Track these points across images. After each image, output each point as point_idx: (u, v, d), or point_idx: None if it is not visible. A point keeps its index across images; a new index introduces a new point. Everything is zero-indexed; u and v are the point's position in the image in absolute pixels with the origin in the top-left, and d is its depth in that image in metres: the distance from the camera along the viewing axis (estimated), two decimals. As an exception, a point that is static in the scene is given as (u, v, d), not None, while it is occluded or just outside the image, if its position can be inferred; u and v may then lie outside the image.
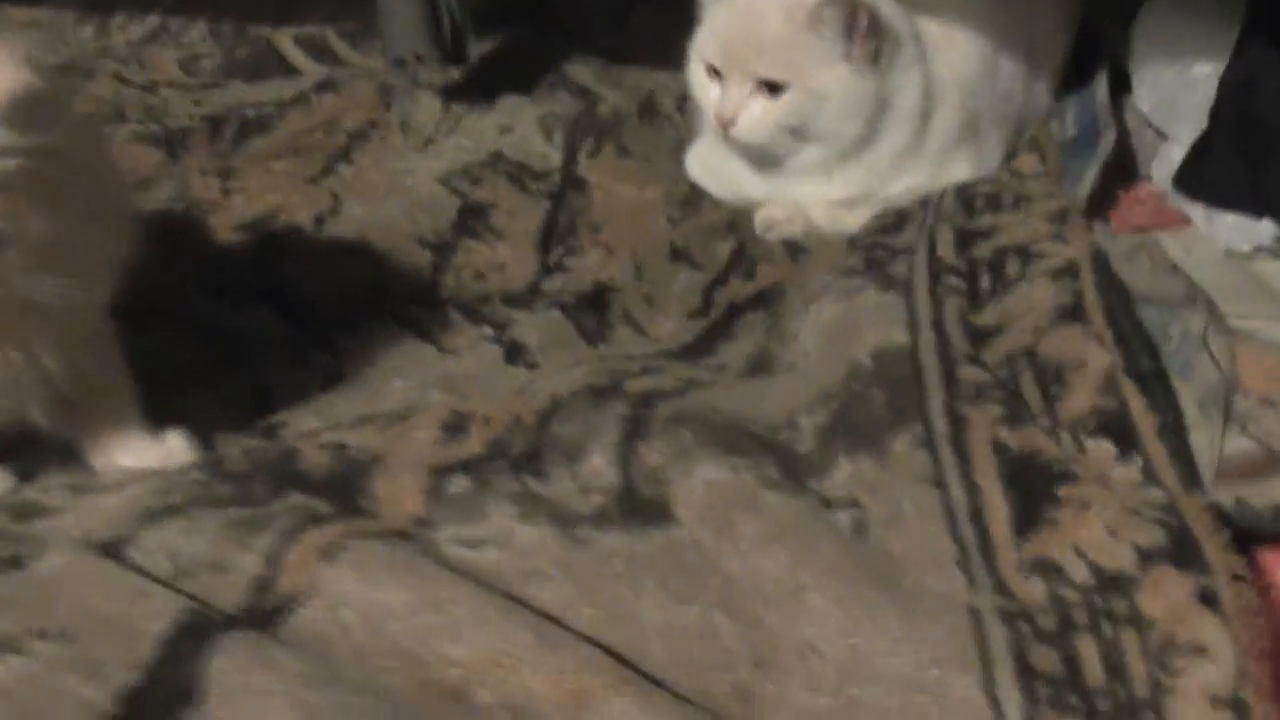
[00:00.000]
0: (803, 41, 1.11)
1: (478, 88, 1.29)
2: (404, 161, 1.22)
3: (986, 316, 0.79)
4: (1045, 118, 1.30)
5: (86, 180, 0.82)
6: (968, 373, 0.72)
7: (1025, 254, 0.84)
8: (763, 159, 1.17)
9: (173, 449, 0.89)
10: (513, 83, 1.30)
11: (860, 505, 0.68)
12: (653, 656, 0.65)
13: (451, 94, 1.28)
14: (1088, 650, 0.61)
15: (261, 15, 1.43)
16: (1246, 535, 0.71)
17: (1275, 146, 1.22)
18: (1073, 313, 0.74)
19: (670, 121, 1.34)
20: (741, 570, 0.67)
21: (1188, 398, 0.70)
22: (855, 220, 1.16)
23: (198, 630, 0.65)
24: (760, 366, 0.89)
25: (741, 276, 1.11)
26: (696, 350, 0.99)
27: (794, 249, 1.14)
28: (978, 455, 0.67)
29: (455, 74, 1.30)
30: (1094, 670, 0.60)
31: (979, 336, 0.77)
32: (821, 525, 0.67)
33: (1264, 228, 1.22)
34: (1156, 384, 0.70)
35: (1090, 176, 1.23)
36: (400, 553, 0.70)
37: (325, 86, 1.32)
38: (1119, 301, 0.76)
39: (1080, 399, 0.69)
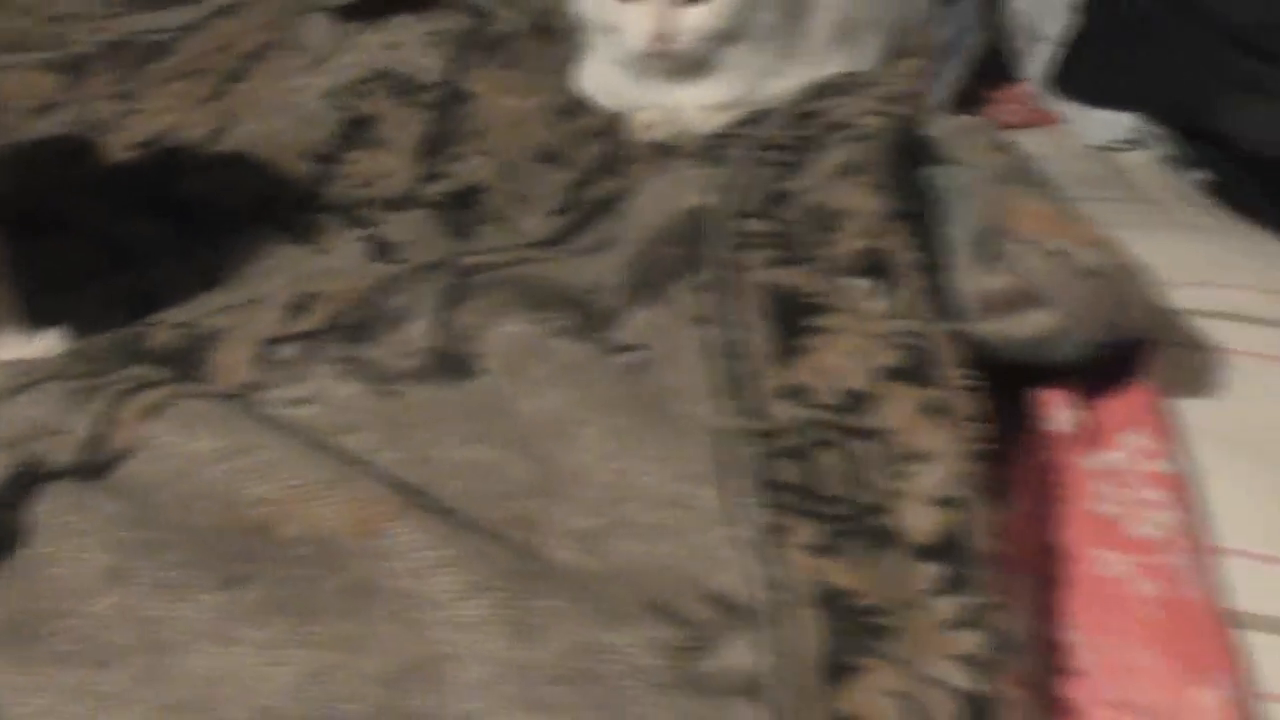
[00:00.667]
0: None
1: (369, 8, 1.33)
2: (294, 80, 1.26)
3: (792, 182, 0.83)
4: (926, 23, 1.34)
5: None
6: (752, 225, 0.77)
7: (842, 128, 0.89)
8: (681, 69, 1.20)
9: (46, 345, 0.95)
10: (409, 4, 1.35)
11: (645, 348, 0.73)
12: (447, 492, 0.70)
13: (347, 14, 1.32)
14: (828, 463, 0.65)
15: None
16: (1021, 374, 0.76)
17: (1140, 42, 1.26)
18: (856, 169, 0.78)
19: (563, 38, 1.38)
20: (530, 410, 0.72)
21: (956, 241, 0.75)
22: (727, 120, 1.20)
23: (25, 481, 0.72)
24: (599, 247, 0.94)
25: (612, 176, 1.16)
26: (555, 241, 1.04)
27: (665, 149, 1.18)
28: (745, 295, 0.72)
29: (349, -5, 1.35)
30: (833, 481, 0.65)
31: (779, 199, 0.81)
32: (602, 366, 0.72)
33: (1123, 120, 1.27)
34: (919, 229, 0.75)
35: (952, 74, 1.27)
36: (221, 409, 0.75)
37: (225, 11, 1.36)
38: (901, 160, 0.80)
39: (847, 242, 0.73)
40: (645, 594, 0.63)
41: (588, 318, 0.76)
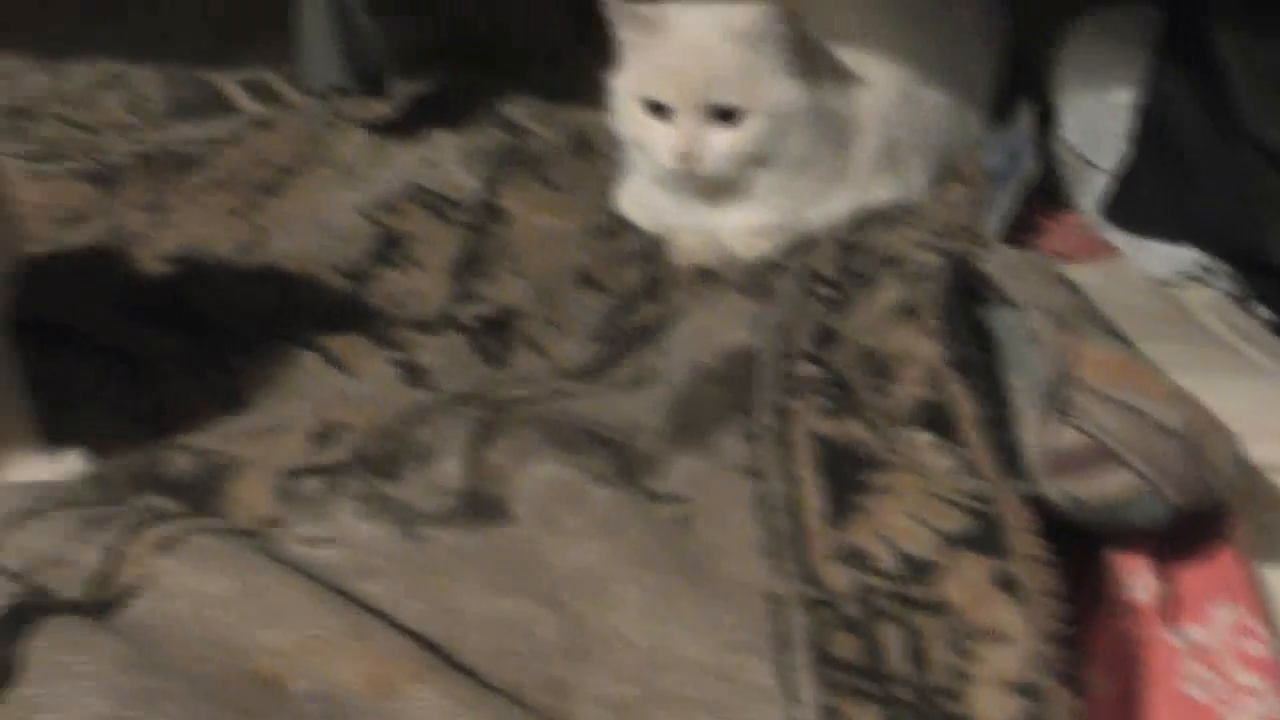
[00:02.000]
0: (752, 61, 1.12)
1: (407, 124, 1.32)
2: (326, 194, 1.25)
3: (842, 322, 0.80)
4: (974, 148, 1.31)
5: None
6: (803, 369, 0.73)
7: (893, 263, 0.85)
8: (713, 191, 1.17)
9: (67, 467, 0.91)
10: (443, 119, 1.33)
11: (686, 500, 0.68)
12: (471, 648, 0.65)
13: (380, 130, 1.31)
14: (889, 637, 0.60)
15: (208, 60, 1.48)
16: (1094, 538, 0.71)
17: (1192, 173, 1.23)
18: (911, 310, 0.74)
19: (602, 157, 1.36)
20: (562, 564, 0.67)
21: (1021, 392, 0.71)
22: (771, 248, 1.17)
23: (25, 614, 0.67)
24: (639, 381, 0.90)
25: (652, 301, 1.12)
26: (593, 371, 1.00)
27: (706, 275, 1.15)
28: (798, 447, 0.67)
29: (386, 110, 1.33)
30: (895, 657, 0.60)
31: (829, 338, 0.77)
32: (640, 518, 0.67)
33: (1186, 254, 1.22)
34: (983, 379, 0.70)
35: (1005, 203, 1.24)
36: (236, 547, 0.71)
37: (261, 124, 1.35)
38: (959, 301, 0.76)
39: (905, 391, 0.69)
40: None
41: (626, 462, 0.72)
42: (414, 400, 0.84)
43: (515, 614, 0.66)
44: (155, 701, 0.62)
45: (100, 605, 0.69)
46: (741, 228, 1.22)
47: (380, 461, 0.78)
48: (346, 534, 0.73)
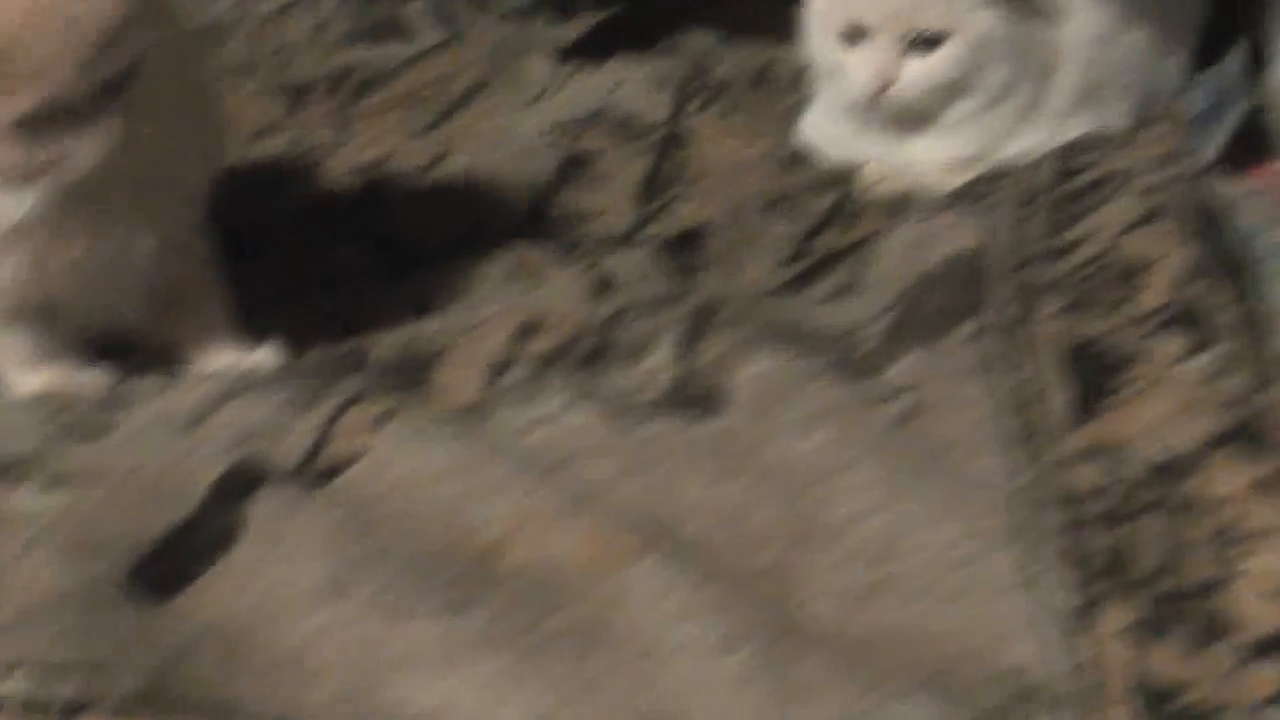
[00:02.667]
0: None
1: (590, 49, 1.31)
2: (512, 116, 1.25)
3: (1073, 233, 0.77)
4: (1177, 94, 1.26)
5: (187, 81, 0.87)
6: (1038, 271, 0.70)
7: (1118, 179, 0.82)
8: (905, 121, 1.15)
9: (263, 357, 0.93)
10: (627, 46, 1.32)
11: (913, 394, 0.66)
12: (688, 534, 0.64)
13: (564, 54, 1.31)
14: (1140, 535, 0.58)
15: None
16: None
17: None
18: (1154, 216, 0.71)
19: (783, 91, 1.34)
20: (784, 453, 0.66)
21: (1274, 296, 0.67)
22: (964, 182, 1.14)
23: (246, 480, 0.68)
24: (840, 293, 0.88)
25: (840, 228, 1.10)
26: (785, 290, 0.98)
27: (896, 205, 1.12)
28: (1038, 345, 0.65)
29: (570, 34, 1.33)
30: (1147, 555, 0.57)
31: (1060, 249, 0.74)
32: (868, 410, 0.66)
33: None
34: (1235, 283, 0.67)
35: (1214, 144, 1.18)
36: (448, 426, 0.71)
37: (443, 46, 1.36)
38: (1204, 212, 0.73)
39: (1154, 294, 0.66)
40: (923, 665, 0.55)
41: (846, 359, 0.70)
42: (618, 301, 0.83)
43: (735, 502, 0.65)
44: (374, 566, 0.62)
45: (314, 476, 0.70)
46: (933, 160, 1.19)
47: (587, 356, 0.77)
48: (558, 420, 0.73)
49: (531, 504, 0.64)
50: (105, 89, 0.75)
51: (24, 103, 0.72)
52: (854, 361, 0.70)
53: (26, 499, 0.68)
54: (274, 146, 1.25)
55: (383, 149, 1.23)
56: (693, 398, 0.71)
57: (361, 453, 0.70)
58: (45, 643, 0.57)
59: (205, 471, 0.68)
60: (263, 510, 0.67)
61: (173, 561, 0.64)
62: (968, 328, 0.67)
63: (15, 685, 0.56)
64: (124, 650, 0.57)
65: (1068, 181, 0.86)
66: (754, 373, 0.70)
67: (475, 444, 0.69)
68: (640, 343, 0.76)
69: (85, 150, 0.75)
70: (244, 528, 0.66)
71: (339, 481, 0.69)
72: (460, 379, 0.78)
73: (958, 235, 0.75)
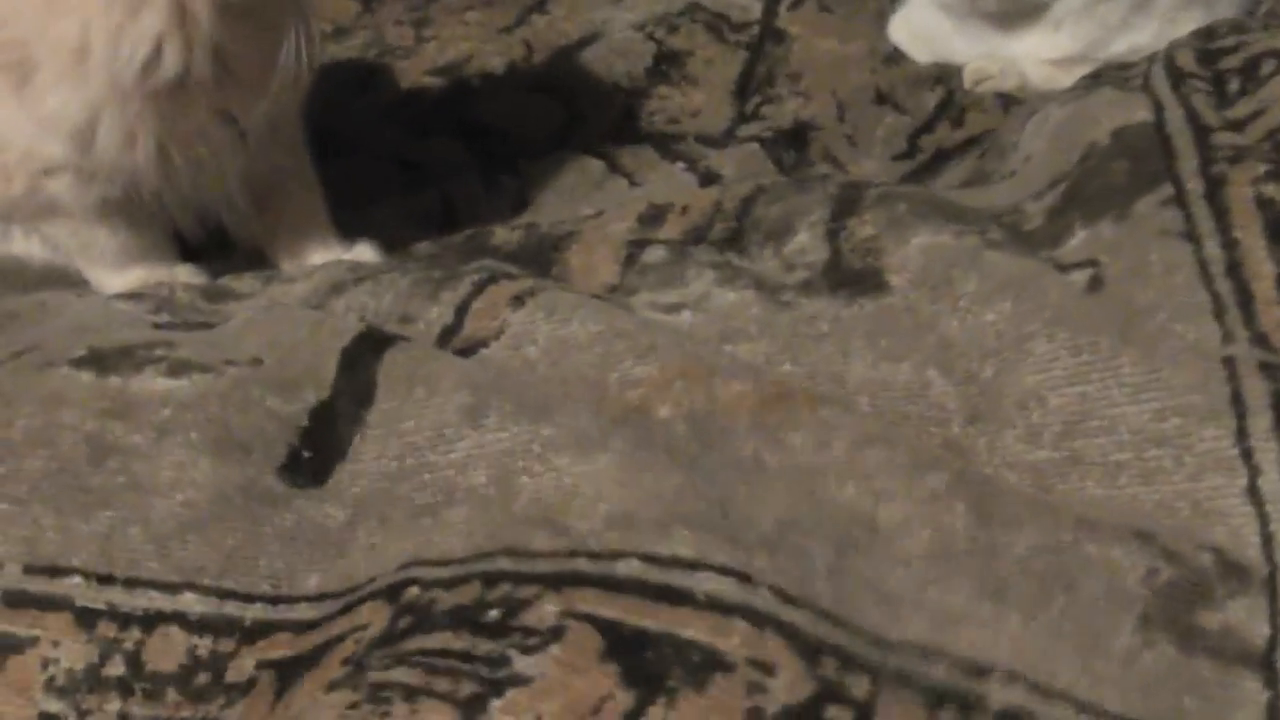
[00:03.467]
0: None
1: (679, -55, 1.28)
2: (599, 12, 1.21)
3: (1239, 110, 0.73)
4: (1288, -9, 1.22)
5: None
6: (1224, 138, 0.67)
7: (1276, 56, 0.78)
8: (1014, 14, 1.11)
9: (360, 253, 0.90)
10: (714, -55, 1.29)
11: (1098, 264, 0.63)
12: (859, 411, 0.62)
13: (650, -50, 1.27)
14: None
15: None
16: None
17: None
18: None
19: (874, -9, 1.30)
20: (960, 327, 0.63)
21: None
22: (1071, 80, 1.10)
23: (376, 341, 0.66)
24: (974, 182, 0.85)
25: (950, 124, 1.07)
26: (906, 184, 0.95)
27: (1007, 101, 1.09)
28: (1237, 211, 0.62)
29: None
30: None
31: (1238, 121, 0.71)
32: (1051, 278, 0.63)
33: None
34: None
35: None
36: (590, 300, 0.68)
37: (520, -60, 1.32)
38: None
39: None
40: (1125, 525, 0.53)
41: (1016, 233, 0.67)
42: (741, 190, 0.80)
43: (906, 380, 0.63)
44: (511, 395, 0.60)
45: (452, 352, 0.68)
46: (1040, 56, 1.16)
47: (726, 239, 0.75)
48: (704, 300, 0.70)
49: (684, 364, 0.61)
50: None
51: None
52: (1024, 235, 0.67)
53: (151, 383, 0.64)
54: (349, 47, 1.22)
55: (464, 49, 1.20)
56: (848, 276, 0.68)
57: (498, 330, 0.68)
58: (218, 561, 0.55)
59: (332, 345, 0.66)
60: (395, 364, 0.64)
61: (319, 439, 0.62)
62: (1156, 195, 0.64)
63: (190, 602, 0.54)
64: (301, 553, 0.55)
65: (1215, 64, 0.83)
66: (918, 246, 0.67)
67: (622, 316, 0.66)
68: (781, 226, 0.73)
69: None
70: (380, 383, 0.63)
71: (478, 355, 0.66)
72: (594, 262, 0.75)
73: (1124, 109, 0.72)
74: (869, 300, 0.67)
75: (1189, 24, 1.15)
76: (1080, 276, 0.63)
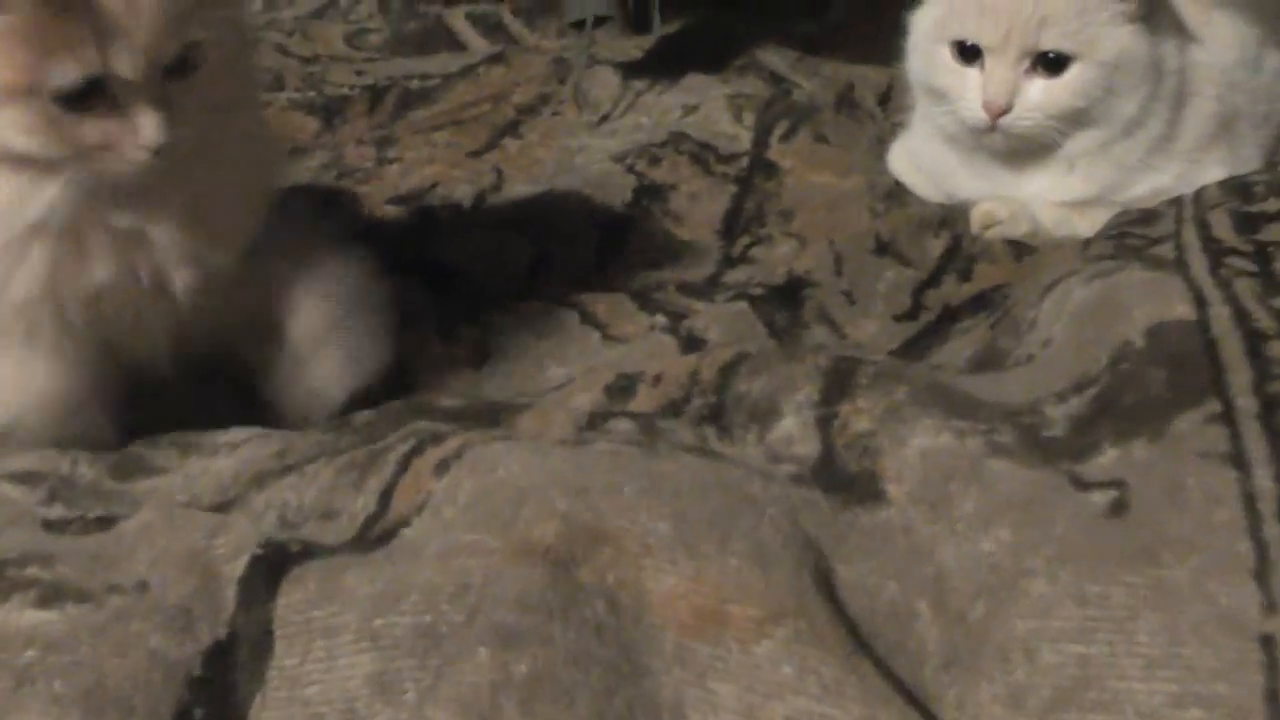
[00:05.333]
0: (1092, 2, 1.01)
1: (660, 65, 1.23)
2: (576, 139, 1.16)
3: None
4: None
5: (249, 78, 0.77)
6: (1276, 349, 0.60)
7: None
8: (1021, 152, 1.06)
9: None
10: (698, 63, 1.24)
11: (1125, 486, 0.56)
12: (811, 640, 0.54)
13: (631, 70, 1.22)
14: None
15: (431, -9, 1.41)
16: None
17: None
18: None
19: (870, 116, 1.25)
20: (955, 555, 0.56)
21: None
22: (1088, 226, 1.04)
23: (274, 564, 0.58)
24: (986, 364, 0.78)
25: (956, 277, 1.01)
26: (906, 355, 0.89)
27: (1019, 250, 1.03)
28: (1288, 437, 0.55)
29: (636, 50, 1.24)
30: None
31: (1286, 312, 0.64)
32: (1063, 500, 0.56)
33: None
34: None
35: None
36: (528, 444, 0.62)
37: (495, 60, 1.27)
38: None
39: None
40: None
41: (1034, 439, 0.60)
42: (721, 357, 0.73)
43: (889, 602, 0.55)
44: (417, 636, 0.53)
45: (366, 544, 0.61)
46: (1052, 198, 1.10)
47: (705, 415, 0.68)
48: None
49: (621, 520, 0.55)
50: (170, 68, 0.65)
51: (80, 68, 0.62)
52: (1042, 442, 0.60)
53: (16, 615, 0.56)
54: (306, 169, 1.16)
55: (430, 173, 1.14)
56: (844, 479, 0.61)
57: (425, 503, 0.61)
58: None
59: (228, 564, 0.58)
60: (289, 604, 0.57)
61: (215, 694, 0.53)
62: (1200, 412, 0.57)
63: None
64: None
65: (1256, 233, 0.77)
66: (918, 450, 0.60)
67: (563, 453, 0.60)
68: (765, 406, 0.66)
69: (129, 141, 0.65)
70: (281, 627, 0.56)
71: (396, 543, 0.59)
72: (546, 425, 0.68)
73: (1159, 300, 0.65)
74: (865, 512, 0.60)
75: (1213, 165, 1.10)
76: (1102, 498, 0.56)
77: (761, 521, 0.57)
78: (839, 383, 0.66)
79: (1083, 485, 0.57)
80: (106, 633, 0.54)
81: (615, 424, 0.68)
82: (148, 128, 0.65)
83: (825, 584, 0.56)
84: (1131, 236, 0.89)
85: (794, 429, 0.65)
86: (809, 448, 0.63)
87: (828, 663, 0.51)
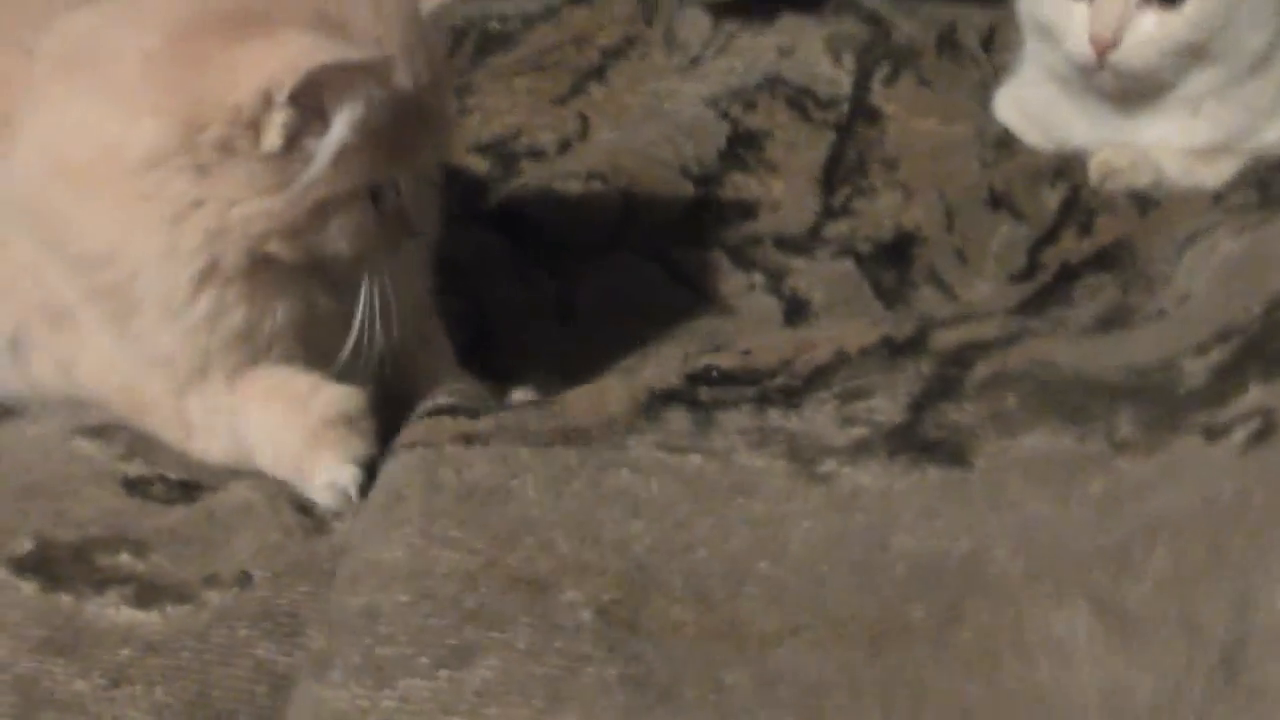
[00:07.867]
0: None
1: (753, 4, 1.18)
2: (665, 82, 1.13)
3: None
4: None
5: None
6: None
7: None
8: (1134, 94, 1.01)
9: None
10: (793, 2, 1.19)
11: (1272, 412, 0.54)
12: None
13: (723, 10, 1.17)
14: None
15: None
16: None
17: None
18: None
19: (973, 59, 1.20)
20: (1058, 517, 0.53)
21: None
22: (1215, 175, 0.99)
23: None
24: (1115, 322, 0.74)
25: (1076, 232, 0.96)
26: (1026, 314, 0.85)
27: (1142, 202, 0.98)
28: None
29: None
30: None
31: None
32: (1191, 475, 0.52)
33: None
34: None
35: None
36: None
37: (577, 0, 1.23)
38: None
39: None
40: None
41: (1156, 409, 0.58)
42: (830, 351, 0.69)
43: (962, 550, 0.53)
44: None
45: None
46: (1174, 144, 1.05)
47: (778, 393, 0.65)
48: (723, 452, 0.61)
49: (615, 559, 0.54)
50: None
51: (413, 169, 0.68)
52: (1167, 408, 0.57)
53: (114, 612, 0.55)
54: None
55: (512, 121, 1.11)
56: (920, 442, 0.60)
57: None
58: None
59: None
60: None
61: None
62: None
63: None
64: None
65: None
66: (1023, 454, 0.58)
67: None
68: (853, 391, 0.64)
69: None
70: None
71: None
72: (601, 394, 0.66)
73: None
74: (936, 469, 0.58)
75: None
76: (1242, 433, 0.54)
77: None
78: (942, 386, 0.64)
79: (1215, 434, 0.55)
80: (209, 637, 0.52)
81: (671, 413, 0.65)
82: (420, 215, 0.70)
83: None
84: (1276, 185, 0.84)
85: (880, 404, 0.62)
86: (890, 416, 0.61)
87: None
